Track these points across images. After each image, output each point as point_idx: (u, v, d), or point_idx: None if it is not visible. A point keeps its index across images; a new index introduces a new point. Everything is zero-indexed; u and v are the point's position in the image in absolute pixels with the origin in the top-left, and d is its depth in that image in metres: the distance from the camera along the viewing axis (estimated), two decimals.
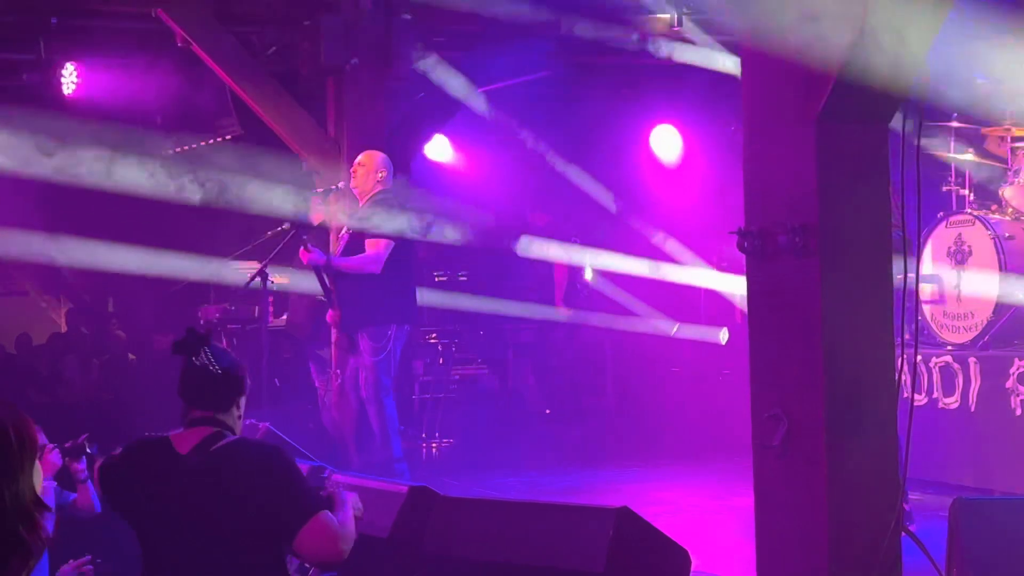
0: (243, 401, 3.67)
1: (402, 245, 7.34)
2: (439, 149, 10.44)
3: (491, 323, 10.15)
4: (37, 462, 2.45)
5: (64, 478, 5.35)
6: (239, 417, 3.66)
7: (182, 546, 3.46)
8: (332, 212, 8.13)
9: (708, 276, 9.86)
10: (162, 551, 3.51)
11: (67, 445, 5.28)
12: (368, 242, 7.28)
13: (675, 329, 9.94)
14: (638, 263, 9.86)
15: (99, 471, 3.69)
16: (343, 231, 7.68)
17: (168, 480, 3.49)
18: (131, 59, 8.81)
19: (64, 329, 12.24)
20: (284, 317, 9.19)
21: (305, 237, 7.20)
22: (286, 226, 7.36)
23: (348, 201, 7.64)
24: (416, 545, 4.57)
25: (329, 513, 3.51)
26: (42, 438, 5.23)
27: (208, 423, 3.55)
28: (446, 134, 10.22)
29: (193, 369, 3.58)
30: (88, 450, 5.32)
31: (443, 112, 8.99)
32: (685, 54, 8.68)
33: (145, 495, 3.54)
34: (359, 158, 7.44)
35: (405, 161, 8.85)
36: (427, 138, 9.50)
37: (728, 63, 8.51)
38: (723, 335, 9.98)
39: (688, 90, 9.84)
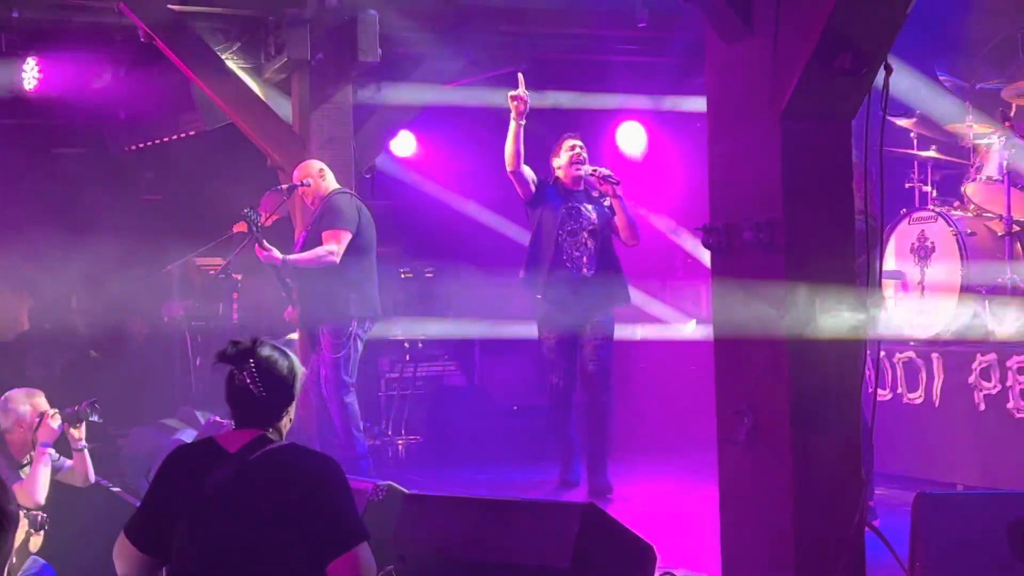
0: (293, 406, 3.56)
1: (359, 238, 7.32)
2: (404, 145, 10.42)
3: (458, 320, 10.13)
4: None
5: (62, 444, 5.30)
6: (289, 421, 3.55)
7: (217, 548, 3.32)
8: (296, 209, 8.10)
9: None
10: (193, 551, 3.35)
11: (68, 411, 5.22)
12: (324, 235, 7.26)
13: (691, 327, 9.81)
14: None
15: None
16: (301, 231, 7.69)
17: (215, 475, 3.36)
18: (93, 54, 8.73)
19: (26, 326, 12.10)
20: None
21: (256, 231, 7.13)
22: (242, 224, 7.32)
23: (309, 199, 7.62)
24: (381, 542, 4.55)
25: (367, 545, 3.39)
26: (43, 403, 5.21)
27: (256, 427, 3.47)
28: (412, 130, 10.20)
29: (236, 387, 3.46)
30: (91, 417, 5.25)
31: (409, 108, 8.97)
32: None
33: (187, 491, 3.38)
34: (299, 176, 7.46)
35: (371, 157, 8.83)
36: (393, 134, 9.47)
37: None
38: (689, 327, 10.00)
39: (654, 86, 9.86)
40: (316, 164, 7.56)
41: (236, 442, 3.44)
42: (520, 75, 6.97)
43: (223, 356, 3.48)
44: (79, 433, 5.29)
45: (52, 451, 5.23)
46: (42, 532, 4.95)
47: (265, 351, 3.50)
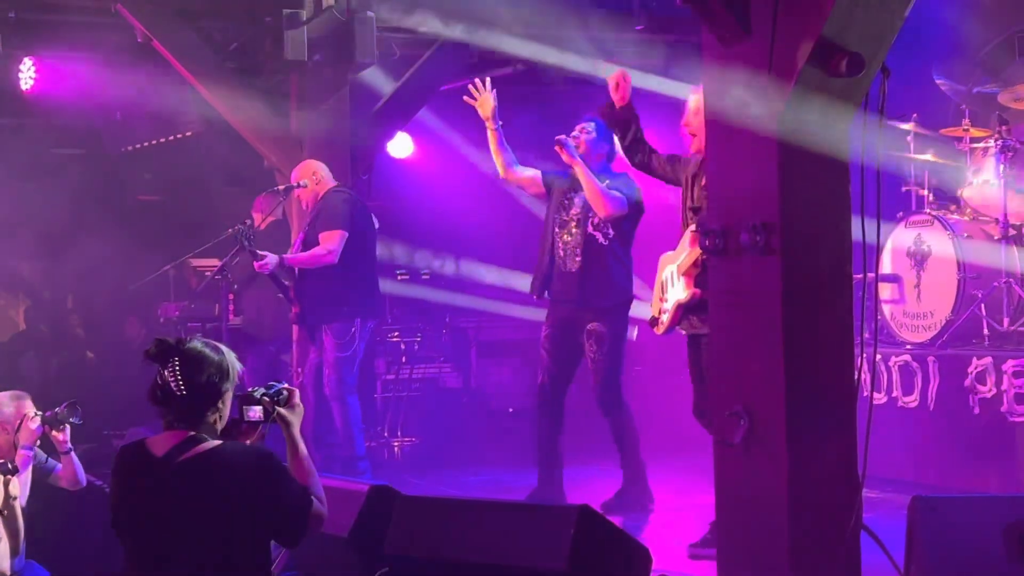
0: (221, 404, 3.46)
1: (358, 237, 7.32)
2: (401, 146, 10.42)
3: (454, 322, 10.15)
4: None
5: (52, 448, 5.25)
6: (219, 419, 3.46)
7: (162, 554, 3.33)
8: (293, 210, 8.09)
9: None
10: (143, 559, 3.37)
11: (47, 414, 5.14)
12: (321, 235, 7.26)
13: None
14: None
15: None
16: (298, 232, 7.68)
17: (144, 485, 3.36)
18: (90, 54, 8.72)
19: (23, 327, 12.11)
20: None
21: (249, 246, 7.12)
22: (232, 230, 7.32)
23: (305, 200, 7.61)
24: (377, 544, 4.55)
25: (316, 500, 3.47)
26: (28, 406, 5.15)
27: (183, 427, 3.41)
28: (409, 131, 10.20)
29: (157, 385, 3.40)
30: (72, 420, 5.15)
31: (406, 109, 8.97)
32: None
33: (126, 502, 3.40)
34: (297, 176, 7.47)
35: (368, 158, 8.83)
36: (390, 135, 9.47)
37: None
38: None
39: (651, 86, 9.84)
40: (313, 165, 7.57)
41: (163, 445, 3.38)
42: (477, 80, 6.58)
43: (147, 354, 3.42)
44: (62, 436, 5.18)
45: (40, 453, 5.18)
46: (17, 475, 4.88)
47: (191, 349, 3.43)
